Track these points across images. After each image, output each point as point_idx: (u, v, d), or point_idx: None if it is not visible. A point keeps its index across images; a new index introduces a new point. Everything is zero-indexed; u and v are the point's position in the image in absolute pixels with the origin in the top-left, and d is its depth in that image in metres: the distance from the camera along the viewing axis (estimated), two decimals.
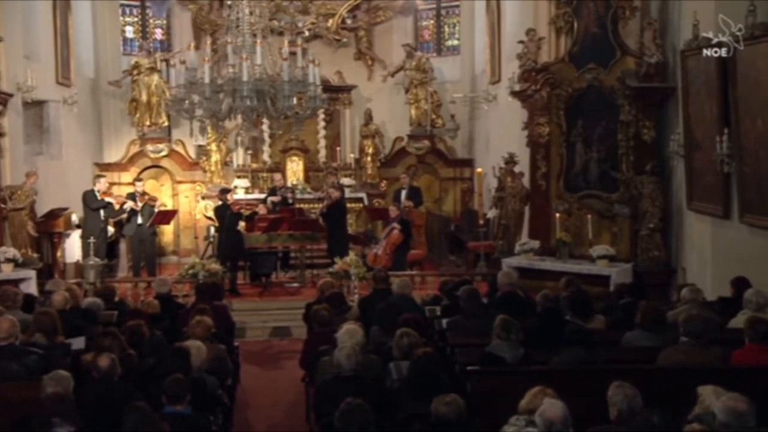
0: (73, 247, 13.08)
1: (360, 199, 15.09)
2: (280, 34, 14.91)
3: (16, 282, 10.01)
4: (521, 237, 11.64)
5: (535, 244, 11.09)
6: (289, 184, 14.82)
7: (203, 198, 15.14)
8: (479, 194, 13.23)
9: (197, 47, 10.50)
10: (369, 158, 15.78)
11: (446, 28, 17.06)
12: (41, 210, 12.11)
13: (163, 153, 15.34)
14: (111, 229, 13.18)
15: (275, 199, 13.36)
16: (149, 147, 15.28)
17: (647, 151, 10.47)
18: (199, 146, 15.38)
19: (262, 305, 11.50)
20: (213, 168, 15.35)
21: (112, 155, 15.65)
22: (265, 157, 15.74)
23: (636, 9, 10.68)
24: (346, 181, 15.15)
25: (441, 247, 14.84)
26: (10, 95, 11.53)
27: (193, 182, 15.54)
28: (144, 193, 13.15)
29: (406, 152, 16.01)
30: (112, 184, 14.40)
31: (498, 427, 4.48)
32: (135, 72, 15.15)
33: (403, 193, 13.61)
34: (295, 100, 9.39)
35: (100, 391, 5.11)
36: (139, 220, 12.84)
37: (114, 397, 4.98)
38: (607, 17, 10.71)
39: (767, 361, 5.37)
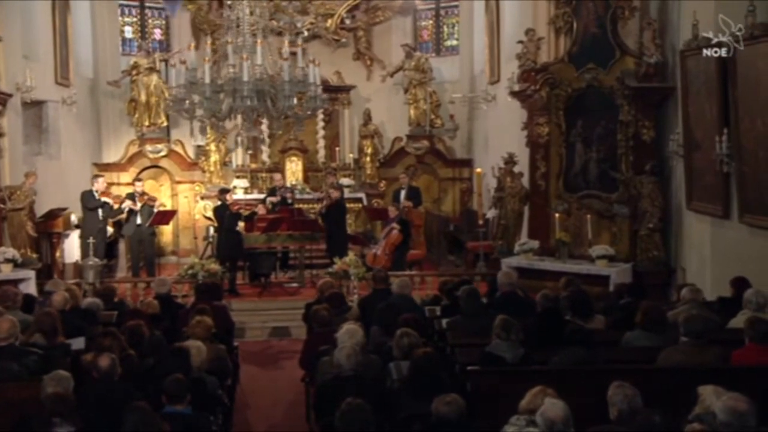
0: (72, 248, 13.05)
1: (359, 199, 15.09)
2: (279, 34, 14.87)
3: (15, 282, 9.97)
4: (521, 237, 11.63)
5: (535, 244, 11.08)
6: (288, 184, 14.79)
7: (202, 198, 15.12)
8: (478, 194, 13.22)
9: (197, 47, 10.48)
10: (368, 158, 15.79)
11: (445, 28, 17.04)
12: (40, 210, 12.08)
13: (162, 153, 15.34)
14: (110, 229, 13.18)
15: (274, 199, 13.33)
16: (148, 147, 15.28)
17: (647, 151, 10.48)
18: (198, 146, 15.39)
19: (261, 305, 11.50)
20: (212, 168, 15.35)
21: (111, 155, 15.64)
22: (264, 157, 15.72)
23: (635, 9, 10.68)
24: (345, 181, 15.14)
25: (440, 247, 14.85)
26: (9, 95, 11.51)
27: (192, 182, 15.53)
28: (143, 194, 13.12)
29: (405, 152, 16.02)
30: (111, 184, 14.43)
31: (498, 427, 4.48)
32: (134, 72, 15.14)
33: (402, 193, 13.57)
34: (295, 100, 9.40)
35: (100, 391, 5.11)
36: (139, 221, 12.82)
37: (114, 397, 4.98)
38: (606, 17, 10.71)
39: (767, 361, 5.38)
